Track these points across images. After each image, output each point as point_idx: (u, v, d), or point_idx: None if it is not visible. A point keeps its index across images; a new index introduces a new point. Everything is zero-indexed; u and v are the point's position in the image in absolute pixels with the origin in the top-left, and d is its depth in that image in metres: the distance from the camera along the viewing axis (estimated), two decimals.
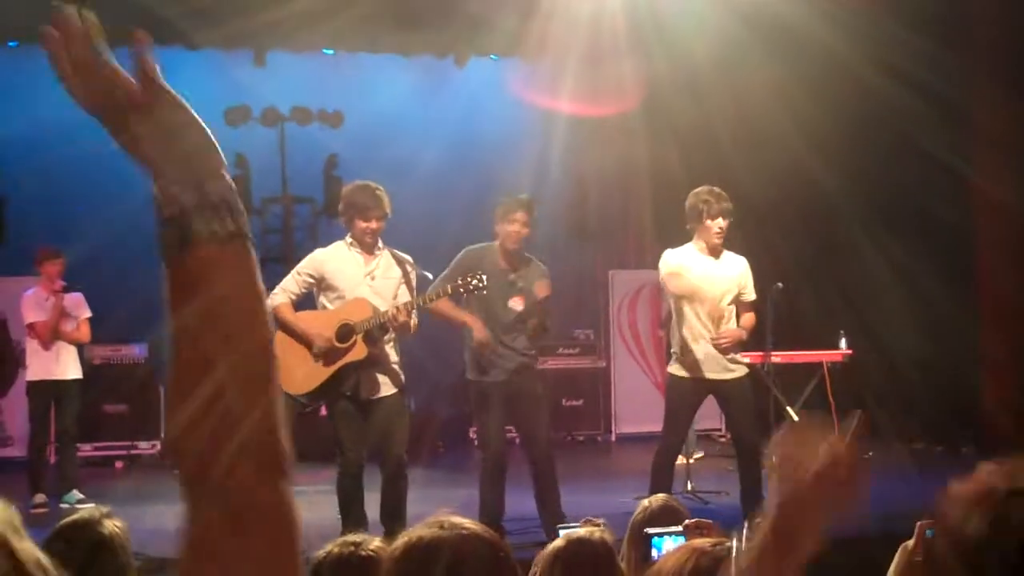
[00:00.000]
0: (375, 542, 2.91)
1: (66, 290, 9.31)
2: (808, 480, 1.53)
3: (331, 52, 13.33)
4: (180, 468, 1.13)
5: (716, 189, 7.76)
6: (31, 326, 9.24)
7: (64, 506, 8.77)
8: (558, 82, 12.28)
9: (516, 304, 7.48)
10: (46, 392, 9.27)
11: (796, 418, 10.71)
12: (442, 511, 2.20)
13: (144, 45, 1.25)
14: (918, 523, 2.78)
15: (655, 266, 13.76)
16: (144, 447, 11.87)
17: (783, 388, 10.94)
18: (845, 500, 1.56)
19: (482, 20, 11.41)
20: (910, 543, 2.78)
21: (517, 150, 12.97)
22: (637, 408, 13.20)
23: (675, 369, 7.68)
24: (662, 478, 7.35)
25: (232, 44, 12.35)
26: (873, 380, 11.17)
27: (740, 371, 7.75)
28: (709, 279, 7.66)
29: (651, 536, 3.36)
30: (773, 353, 10.79)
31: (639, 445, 12.72)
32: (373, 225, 7.16)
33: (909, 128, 11.03)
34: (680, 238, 12.82)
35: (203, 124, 1.24)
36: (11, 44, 12.44)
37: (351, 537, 2.92)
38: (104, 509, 3.38)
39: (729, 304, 7.72)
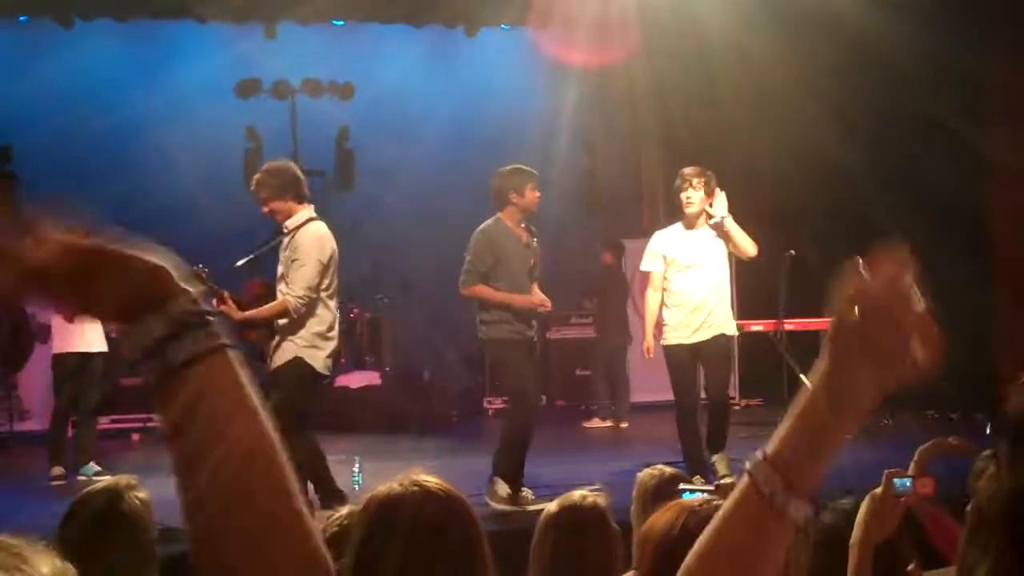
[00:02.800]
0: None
1: None
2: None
3: (341, 23, 13.30)
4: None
5: (691, 168, 7.98)
6: None
7: (81, 478, 8.83)
8: (567, 43, 12.24)
9: (534, 268, 7.61)
10: (70, 365, 9.32)
11: (810, 385, 10.75)
12: (414, 469, 2.24)
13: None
14: (885, 471, 2.82)
15: None
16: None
17: (797, 356, 10.97)
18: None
19: None
20: (878, 491, 2.82)
21: (527, 120, 12.95)
22: (649, 378, 13.14)
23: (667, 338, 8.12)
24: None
25: (242, 17, 12.35)
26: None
27: (716, 331, 7.99)
28: (686, 252, 8.00)
29: (682, 492, 3.39)
30: (786, 321, 10.82)
31: (651, 414, 12.73)
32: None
33: (922, 97, 10.97)
34: None
35: (127, 253, 1.20)
36: (21, 19, 12.45)
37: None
38: (129, 480, 3.37)
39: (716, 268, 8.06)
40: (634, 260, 13.48)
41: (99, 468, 9.09)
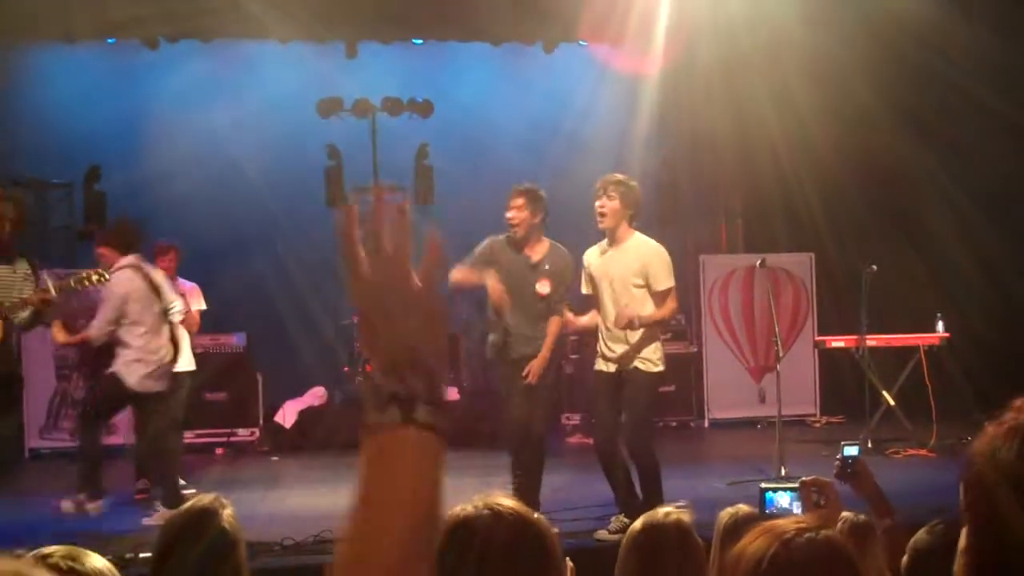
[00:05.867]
0: None
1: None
2: None
3: (420, 42, 13.43)
4: None
5: (611, 175, 7.37)
6: None
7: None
8: (642, 57, 12.22)
9: (543, 287, 7.51)
10: None
11: (892, 402, 10.61)
12: (492, 491, 2.26)
13: (437, 244, 1.34)
14: None
15: (746, 250, 13.80)
16: (243, 434, 12.10)
17: (879, 372, 10.83)
18: None
19: (570, 6, 11.42)
20: None
21: (604, 135, 12.94)
22: (729, 393, 13.14)
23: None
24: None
25: (324, 37, 12.52)
26: (972, 363, 10.99)
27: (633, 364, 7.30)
28: (602, 269, 7.36)
29: (765, 490, 3.37)
30: (867, 337, 10.69)
31: (731, 431, 12.68)
32: None
33: (1004, 105, 10.82)
34: (766, 222, 12.64)
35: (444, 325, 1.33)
36: (109, 41, 12.73)
37: None
38: (223, 499, 3.42)
39: (634, 290, 7.25)
40: (711, 274, 13.48)
41: (184, 482, 9.23)
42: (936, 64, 11.06)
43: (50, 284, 7.35)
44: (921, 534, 3.18)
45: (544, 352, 7.45)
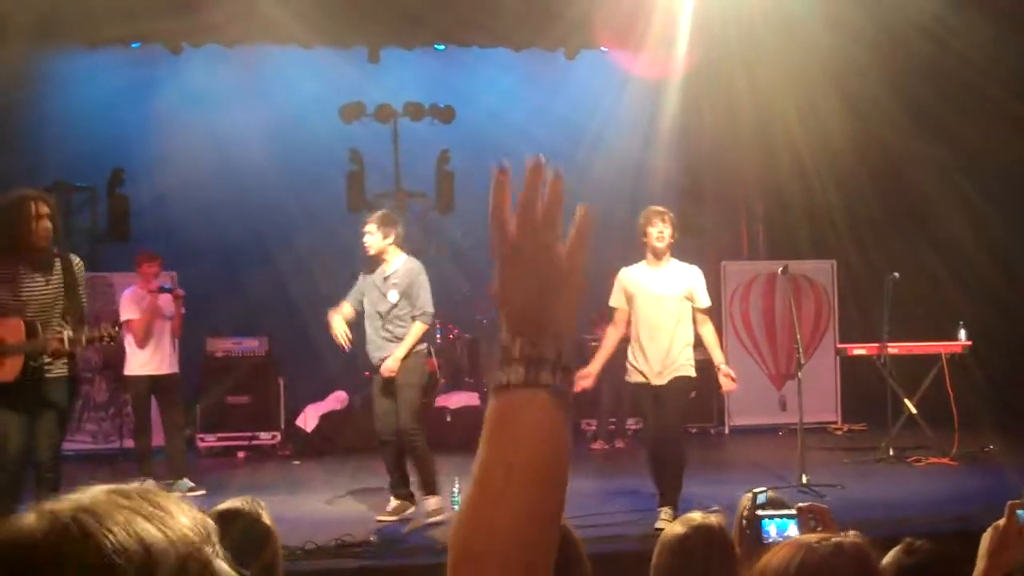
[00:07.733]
0: None
1: (161, 291, 9.57)
2: None
3: (443, 48, 13.46)
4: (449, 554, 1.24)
5: (654, 207, 8.15)
6: (127, 323, 9.51)
7: (175, 494, 9.05)
8: (663, 64, 12.21)
9: (392, 296, 8.18)
10: (140, 386, 9.59)
11: (914, 410, 10.57)
12: None
13: (588, 219, 1.33)
14: (1009, 503, 2.78)
15: (767, 257, 13.77)
16: (265, 438, 12.14)
17: (901, 380, 10.79)
18: None
19: (592, 12, 11.41)
20: (1001, 522, 2.78)
21: (628, 141, 12.95)
22: (750, 400, 13.09)
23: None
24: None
25: (347, 42, 12.56)
26: (994, 372, 10.94)
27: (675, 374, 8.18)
28: (646, 287, 8.06)
29: (761, 518, 3.35)
30: (889, 344, 10.65)
31: (752, 437, 12.64)
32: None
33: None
34: (787, 228, 12.64)
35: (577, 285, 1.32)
36: (134, 45, 12.80)
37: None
38: (260, 502, 3.43)
39: (676, 308, 8.10)
40: (733, 281, 13.46)
41: (192, 484, 9.28)
42: (961, 71, 11.01)
43: (65, 336, 6.89)
44: (899, 555, 3.13)
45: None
